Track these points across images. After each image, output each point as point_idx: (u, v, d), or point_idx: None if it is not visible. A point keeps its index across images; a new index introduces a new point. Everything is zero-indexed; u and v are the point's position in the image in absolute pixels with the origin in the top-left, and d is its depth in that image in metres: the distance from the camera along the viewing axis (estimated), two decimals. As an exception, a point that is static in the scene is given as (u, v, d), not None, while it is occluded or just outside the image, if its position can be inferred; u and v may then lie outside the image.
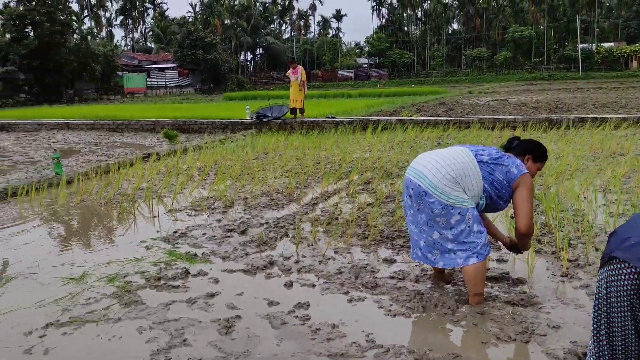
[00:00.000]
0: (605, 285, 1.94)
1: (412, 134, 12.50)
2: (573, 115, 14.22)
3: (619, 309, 1.89)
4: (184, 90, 59.81)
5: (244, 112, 17.25)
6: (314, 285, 4.03)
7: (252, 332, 3.27)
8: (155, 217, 6.27)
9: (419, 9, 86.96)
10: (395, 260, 4.50)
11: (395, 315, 3.48)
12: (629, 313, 1.87)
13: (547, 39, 69.66)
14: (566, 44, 70.84)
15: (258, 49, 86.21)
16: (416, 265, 4.33)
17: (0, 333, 3.37)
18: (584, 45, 64.89)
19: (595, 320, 2.01)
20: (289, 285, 4.05)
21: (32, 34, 43.19)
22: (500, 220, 5.46)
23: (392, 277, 4.11)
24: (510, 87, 42.74)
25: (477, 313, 3.44)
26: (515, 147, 3.72)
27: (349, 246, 4.91)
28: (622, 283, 1.87)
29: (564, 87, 37.81)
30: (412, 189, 3.55)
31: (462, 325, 3.32)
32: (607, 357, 1.98)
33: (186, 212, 6.38)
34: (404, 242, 4.93)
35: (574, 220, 5.36)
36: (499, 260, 4.43)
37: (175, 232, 5.52)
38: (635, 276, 1.83)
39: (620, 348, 1.93)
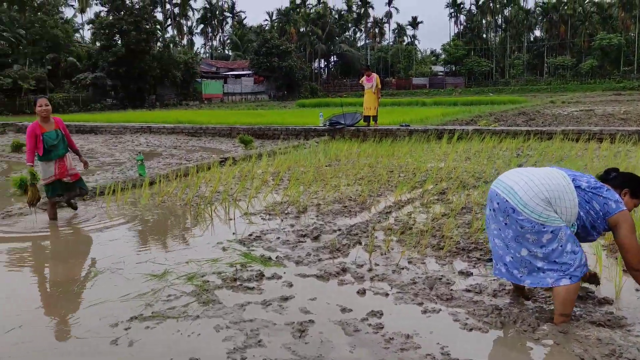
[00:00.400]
0: None
1: (490, 144, 12.14)
2: (667, 127, 13.30)
3: None
4: (259, 97, 61.33)
5: (316, 119, 17.44)
6: (387, 294, 3.99)
7: (325, 337, 3.29)
8: (231, 219, 6.45)
9: (499, 16, 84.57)
10: (471, 273, 4.37)
11: (471, 330, 3.38)
12: None
13: (637, 46, 65.64)
14: (659, 51, 66.42)
15: (332, 57, 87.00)
16: (494, 280, 4.19)
17: (90, 324, 3.58)
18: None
19: None
20: (362, 292, 4.04)
21: (119, 42, 45.87)
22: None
23: (469, 290, 4.00)
24: (596, 97, 40.61)
25: (560, 332, 3.27)
26: (612, 178, 3.51)
27: (423, 257, 4.83)
28: None
29: (656, 98, 35.46)
30: (498, 203, 3.44)
31: (543, 344, 3.18)
32: None
33: (260, 216, 6.52)
34: (480, 255, 4.79)
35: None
36: (583, 279, 4.20)
37: (250, 235, 5.65)
38: None
39: None
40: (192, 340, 3.30)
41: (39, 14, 45.18)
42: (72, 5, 64.33)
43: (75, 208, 6.86)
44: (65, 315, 3.84)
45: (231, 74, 65.70)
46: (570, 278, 3.29)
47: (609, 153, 10.13)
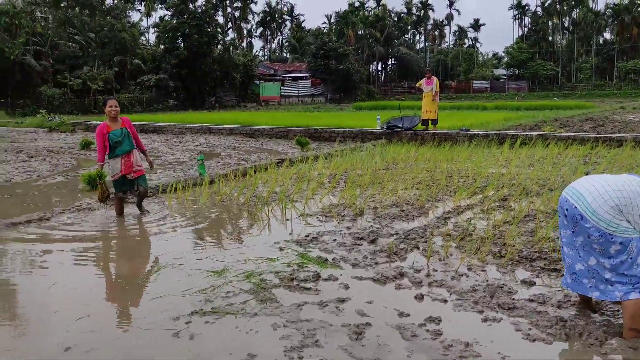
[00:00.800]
0: None
1: (555, 150, 11.69)
2: None
3: None
4: (315, 99, 61.72)
5: (373, 122, 17.36)
6: (445, 301, 3.91)
7: (382, 341, 3.26)
8: (287, 220, 6.51)
9: (566, 18, 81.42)
10: (534, 283, 4.22)
11: (534, 340, 3.26)
12: None
13: None
14: None
15: (390, 59, 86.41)
16: (558, 290, 4.03)
17: (153, 316, 3.70)
18: None
19: None
20: (420, 298, 3.98)
21: (182, 45, 47.35)
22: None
23: (532, 300, 3.86)
24: (669, 103, 38.42)
25: (630, 347, 3.11)
26: None
27: (484, 264, 4.71)
28: None
29: None
30: (567, 209, 3.32)
31: (610, 359, 3.02)
32: None
33: (317, 218, 6.55)
34: (545, 264, 4.61)
35: None
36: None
37: (307, 236, 5.68)
38: None
39: None
40: (250, 337, 3.35)
41: (108, 18, 47.35)
42: (138, 10, 66.84)
43: (143, 212, 6.89)
44: (129, 307, 3.99)
45: (288, 77, 66.46)
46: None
47: (685, 162, 9.56)
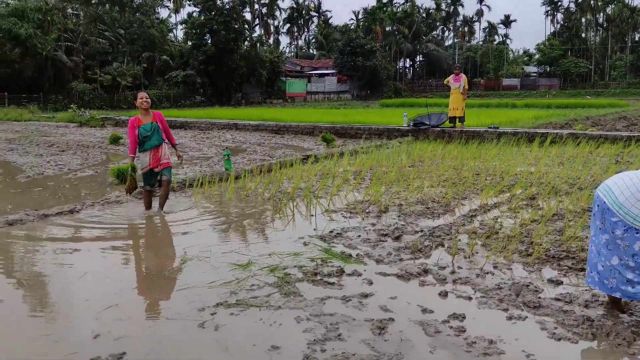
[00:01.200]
0: None
1: (586, 149, 11.46)
2: None
3: None
4: (341, 96, 61.63)
5: (400, 119, 17.26)
6: (470, 298, 3.89)
7: (405, 336, 3.26)
8: (312, 215, 6.54)
9: (600, 14, 79.47)
10: (561, 282, 4.16)
11: (560, 339, 3.22)
12: None
13: None
14: None
15: (418, 56, 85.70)
16: (586, 290, 3.97)
17: (179, 307, 3.77)
18: None
19: None
20: (444, 295, 3.96)
21: (209, 41, 47.79)
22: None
23: (558, 299, 3.80)
24: None
25: (661, 351, 3.05)
26: None
27: (510, 262, 4.66)
28: None
29: None
30: (598, 205, 3.29)
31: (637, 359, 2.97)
32: None
33: (341, 214, 6.56)
34: (572, 263, 4.54)
35: None
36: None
37: (331, 231, 5.69)
38: None
39: None
40: (274, 329, 3.38)
41: (137, 14, 48.07)
42: (167, 6, 67.64)
43: (161, 206, 6.77)
44: (156, 297, 4.07)
45: (315, 73, 66.51)
46: None
47: None
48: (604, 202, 3.24)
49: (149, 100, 6.76)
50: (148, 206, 6.93)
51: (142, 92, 6.89)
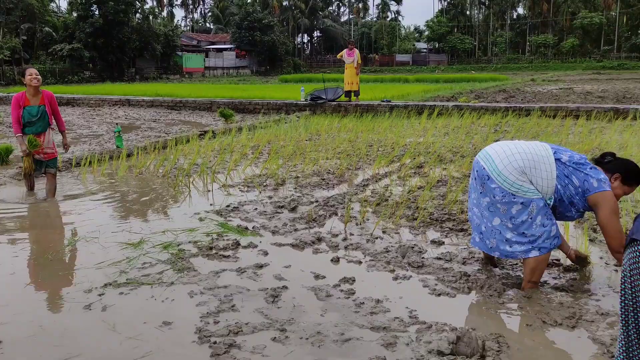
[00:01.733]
0: (628, 269, 1.86)
1: (469, 120, 12.24)
2: (641, 105, 13.52)
3: None
4: (241, 72, 60.61)
5: (298, 94, 17.36)
6: (360, 262, 4.07)
7: (297, 302, 3.36)
8: (209, 191, 6.46)
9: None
10: (443, 243, 4.48)
11: (439, 295, 3.48)
12: None
13: (618, 26, 66.06)
14: (639, 31, 66.91)
15: (315, 32, 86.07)
16: (464, 248, 4.30)
17: (64, 290, 3.60)
18: (659, 33, 61.17)
19: (623, 308, 1.93)
20: (336, 260, 4.11)
21: (97, 12, 44.73)
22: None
23: (439, 258, 4.10)
24: (576, 76, 40.96)
25: (524, 297, 3.39)
26: (606, 163, 3.41)
27: (398, 227, 4.92)
28: None
29: (635, 77, 35.86)
30: (477, 171, 3.53)
31: (508, 308, 3.29)
32: (636, 349, 1.90)
33: (239, 188, 6.54)
34: (453, 225, 4.89)
35: (632, 211, 5.15)
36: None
37: (228, 206, 5.67)
38: None
39: None
40: (166, 305, 3.34)
41: (12, -18, 43.78)
42: (47, -26, 62.22)
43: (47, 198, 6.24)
44: (38, 282, 3.86)
45: (212, 48, 64.71)
46: (539, 250, 3.37)
47: (584, 129, 10.30)
48: (484, 168, 3.48)
49: (39, 77, 6.02)
50: (30, 188, 6.46)
51: (31, 67, 6.11)
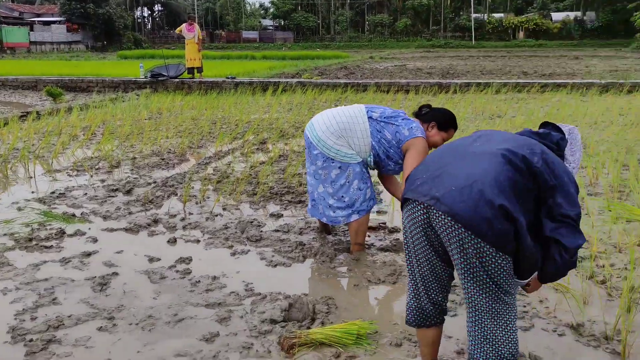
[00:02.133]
0: (407, 225, 2.11)
1: (311, 96, 12.57)
2: (460, 80, 14.97)
3: (420, 243, 2.08)
4: (74, 47, 55.53)
5: (138, 71, 16.41)
6: (198, 241, 4.00)
7: (128, 288, 3.20)
8: (31, 177, 5.87)
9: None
10: (282, 215, 4.56)
11: (276, 266, 3.55)
12: (428, 245, 2.06)
13: (444, 7, 72.14)
14: (461, 13, 73.77)
15: (156, 5, 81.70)
16: (302, 219, 4.43)
17: None
18: (477, 15, 67.96)
19: (408, 259, 2.19)
20: (173, 241, 3.99)
21: None
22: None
23: (277, 231, 4.17)
24: (409, 54, 44.04)
25: (353, 259, 3.61)
26: (424, 114, 3.58)
27: (238, 203, 4.91)
28: (417, 219, 2.05)
29: (458, 55, 39.59)
30: (305, 140, 3.65)
31: (338, 272, 3.47)
32: (422, 292, 2.17)
33: (67, 173, 6.03)
34: (292, 197, 5.01)
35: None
36: (379, 212, 4.64)
37: (53, 192, 5.21)
38: (424, 210, 2.01)
39: (432, 280, 2.13)
40: (-27, 307, 2.98)
41: None
42: None
43: None
44: None
45: (38, 21, 58.32)
46: (358, 213, 3.59)
47: (413, 103, 11.13)
48: (308, 137, 3.61)
49: None
50: None
51: None
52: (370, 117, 3.53)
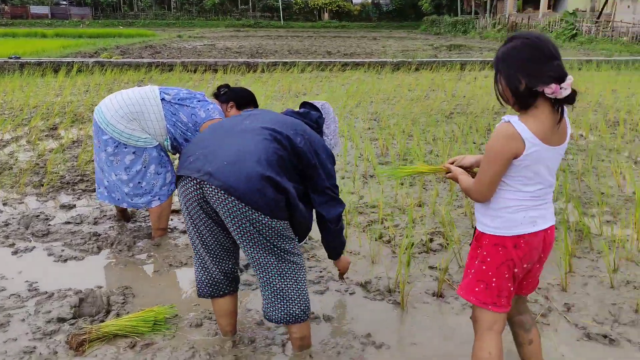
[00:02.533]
0: (184, 201, 2.15)
1: (111, 76, 11.72)
2: (268, 59, 15.22)
3: (198, 217, 2.14)
4: None
5: None
6: (-31, 244, 3.50)
7: None
8: None
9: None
10: (75, 206, 4.21)
11: (66, 260, 3.27)
12: (207, 217, 2.13)
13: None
14: (268, -7, 74.83)
15: None
16: (97, 208, 4.14)
17: None
18: (284, -5, 69.70)
19: (189, 232, 2.24)
20: (-64, 247, 3.43)
21: None
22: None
23: (68, 223, 3.84)
24: (219, 33, 43.45)
25: (154, 245, 3.49)
26: (222, 95, 3.51)
27: (23, 196, 4.40)
28: (191, 194, 2.10)
29: (268, 35, 40.19)
30: (93, 125, 3.35)
31: (137, 259, 3.33)
32: (211, 265, 2.24)
33: None
34: (86, 186, 4.65)
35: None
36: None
37: None
38: (197, 185, 2.07)
39: (218, 249, 2.22)
40: None
41: None
42: None
43: None
44: None
45: None
46: (159, 198, 3.45)
47: (221, 82, 11.03)
48: (97, 121, 3.34)
49: None
50: None
51: None
52: (163, 99, 3.37)
